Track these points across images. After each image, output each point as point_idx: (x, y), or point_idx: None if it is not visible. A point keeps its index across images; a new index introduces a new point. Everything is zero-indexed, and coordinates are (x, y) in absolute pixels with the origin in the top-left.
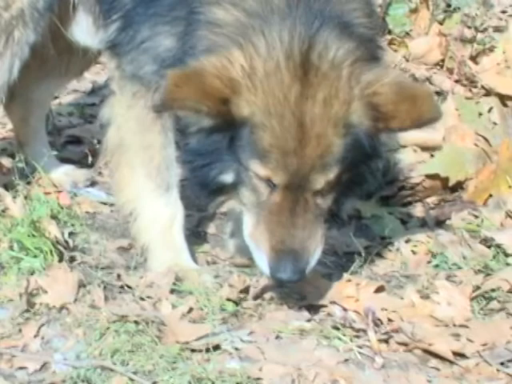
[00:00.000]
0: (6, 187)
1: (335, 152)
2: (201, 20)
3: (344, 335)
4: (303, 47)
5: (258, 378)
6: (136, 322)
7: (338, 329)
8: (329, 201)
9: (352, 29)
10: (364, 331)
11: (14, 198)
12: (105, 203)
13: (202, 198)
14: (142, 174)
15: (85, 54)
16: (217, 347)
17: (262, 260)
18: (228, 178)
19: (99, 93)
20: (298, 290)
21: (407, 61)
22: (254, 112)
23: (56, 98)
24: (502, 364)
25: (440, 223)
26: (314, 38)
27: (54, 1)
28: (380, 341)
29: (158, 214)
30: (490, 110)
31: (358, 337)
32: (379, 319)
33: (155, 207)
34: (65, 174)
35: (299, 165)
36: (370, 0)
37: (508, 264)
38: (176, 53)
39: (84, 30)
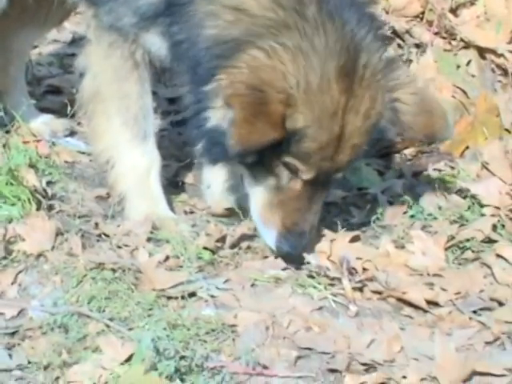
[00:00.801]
0: None
1: (361, 153)
2: None
3: (319, 283)
4: (350, 58)
5: (233, 325)
6: (113, 270)
7: (312, 277)
8: None
9: (372, 18)
10: (339, 279)
11: None
12: (83, 153)
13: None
14: (118, 123)
15: (63, 2)
16: (192, 294)
17: (270, 235)
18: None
19: (79, 43)
20: None
21: (387, 13)
22: (307, 125)
23: (36, 47)
24: (474, 312)
25: (417, 174)
26: (360, 45)
27: None
28: (354, 289)
29: (135, 163)
30: (468, 63)
31: (332, 285)
32: (354, 268)
33: (132, 156)
34: (44, 123)
35: (330, 167)
36: None
37: (482, 214)
38: (159, 6)
39: None
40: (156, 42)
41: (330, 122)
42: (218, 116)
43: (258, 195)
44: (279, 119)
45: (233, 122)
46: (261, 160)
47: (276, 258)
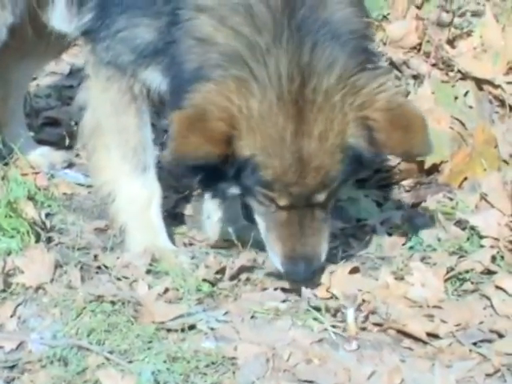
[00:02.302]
0: None
1: (335, 174)
2: (187, 30)
3: (319, 315)
4: (295, 84)
5: (233, 358)
6: (112, 302)
7: (315, 309)
8: (332, 203)
9: (343, 39)
10: (338, 311)
11: None
12: (82, 185)
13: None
14: (118, 156)
15: (62, 37)
16: (192, 327)
17: (277, 261)
18: (236, 190)
19: (77, 75)
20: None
21: (384, 44)
22: (254, 153)
23: (34, 79)
24: (474, 344)
25: (415, 206)
26: (306, 71)
27: None
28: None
29: (135, 195)
30: (465, 94)
31: (332, 317)
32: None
33: (132, 188)
34: (42, 155)
35: (301, 191)
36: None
37: (482, 246)
38: (157, 45)
39: (59, 16)
40: (156, 78)
41: (279, 149)
42: None
43: (260, 222)
44: (219, 136)
45: (170, 136)
46: (245, 192)
47: (275, 289)
